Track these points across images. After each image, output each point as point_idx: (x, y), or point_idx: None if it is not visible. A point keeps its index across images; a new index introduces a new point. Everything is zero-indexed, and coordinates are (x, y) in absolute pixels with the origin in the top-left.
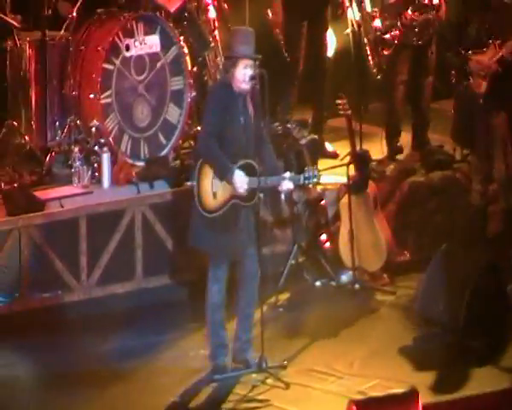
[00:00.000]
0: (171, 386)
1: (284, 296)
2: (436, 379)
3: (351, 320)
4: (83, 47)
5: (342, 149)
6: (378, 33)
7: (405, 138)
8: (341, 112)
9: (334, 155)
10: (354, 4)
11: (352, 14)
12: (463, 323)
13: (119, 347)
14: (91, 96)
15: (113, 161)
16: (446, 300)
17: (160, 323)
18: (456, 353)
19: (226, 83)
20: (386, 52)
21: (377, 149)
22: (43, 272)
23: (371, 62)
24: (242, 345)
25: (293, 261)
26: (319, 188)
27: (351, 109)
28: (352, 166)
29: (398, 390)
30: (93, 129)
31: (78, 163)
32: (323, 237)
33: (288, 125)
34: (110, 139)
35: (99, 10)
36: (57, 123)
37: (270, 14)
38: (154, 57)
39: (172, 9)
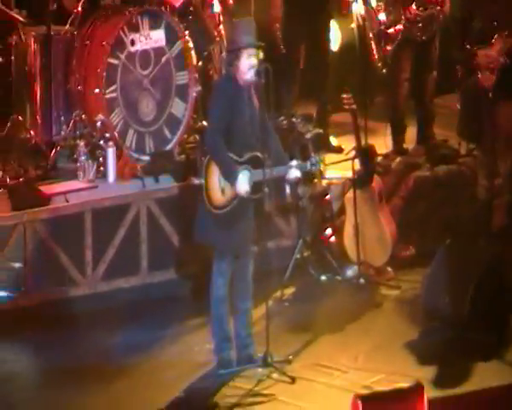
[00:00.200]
0: (176, 380)
1: (289, 291)
2: (441, 374)
3: (356, 315)
4: (88, 42)
5: (347, 143)
6: (382, 27)
7: (410, 133)
8: (346, 106)
9: (338, 150)
10: None
11: (357, 8)
12: (468, 317)
13: (124, 341)
14: (96, 90)
15: (118, 156)
16: (451, 294)
17: (164, 317)
18: (460, 347)
19: (230, 76)
20: (389, 47)
21: (382, 144)
22: (48, 267)
23: (376, 57)
24: (244, 341)
25: (298, 256)
26: (324, 182)
27: (356, 104)
28: (356, 161)
29: (403, 385)
30: (98, 123)
31: (83, 158)
32: (328, 231)
33: (293, 120)
34: (115, 134)
35: (103, 2)
36: (62, 118)
37: (270, 9)
38: (159, 52)
39: (177, 4)
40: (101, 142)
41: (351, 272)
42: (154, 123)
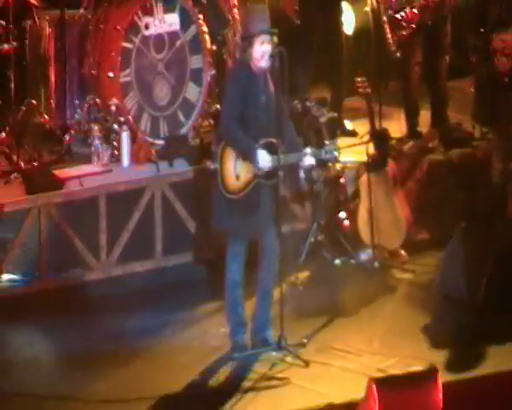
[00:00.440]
0: (190, 364)
1: (304, 275)
2: (455, 357)
3: (370, 298)
4: (102, 26)
5: (361, 127)
6: (390, 12)
7: (424, 116)
8: (361, 90)
9: (353, 134)
10: None
11: None
12: (483, 300)
13: (139, 325)
14: (110, 74)
15: (133, 140)
16: (466, 277)
17: (179, 301)
18: (475, 331)
19: (244, 63)
20: (404, 32)
21: (396, 128)
22: (62, 251)
23: (390, 40)
24: (262, 323)
25: (312, 239)
26: (338, 166)
27: (370, 88)
28: (371, 145)
29: (418, 368)
30: (112, 108)
31: (97, 142)
32: (343, 215)
33: (307, 104)
34: (129, 118)
35: None
36: (76, 102)
37: None
38: (173, 36)
39: None
40: (116, 126)
41: (365, 255)
42: (168, 107)
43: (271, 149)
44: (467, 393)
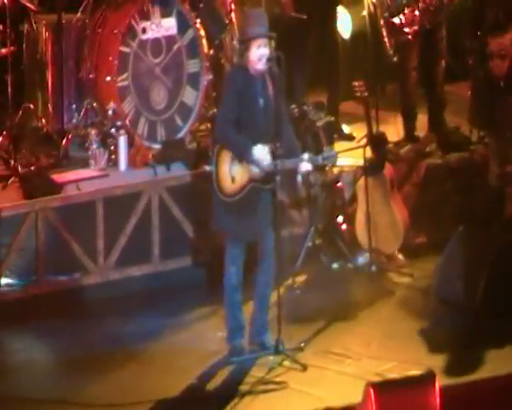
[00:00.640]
0: (188, 368)
1: (301, 278)
2: (453, 361)
3: (367, 302)
4: (99, 30)
5: (359, 131)
6: (386, 14)
7: (422, 120)
8: (358, 94)
9: (350, 137)
10: None
11: None
12: (481, 304)
13: (137, 329)
14: (108, 78)
15: (130, 144)
16: (464, 281)
17: (176, 305)
18: (473, 334)
19: (242, 67)
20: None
21: (393, 131)
22: (59, 255)
23: (388, 44)
24: (259, 327)
25: (309, 243)
26: (336, 170)
27: (367, 91)
28: (368, 149)
29: (416, 372)
30: (110, 112)
31: (94, 146)
32: (340, 219)
33: (305, 107)
34: (127, 122)
35: None
36: (74, 106)
37: None
38: (170, 40)
39: None
40: (113, 130)
41: (362, 259)
42: (165, 111)
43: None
44: (465, 397)
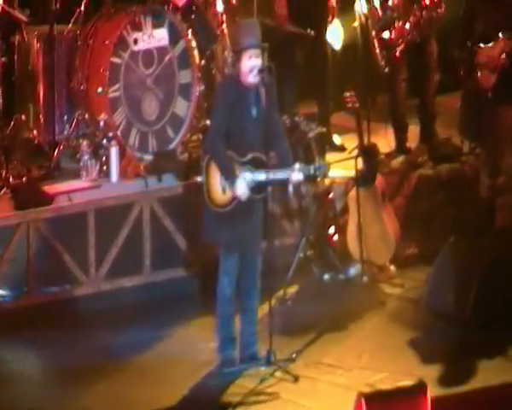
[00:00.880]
0: (179, 379)
1: (292, 289)
2: (444, 372)
3: (359, 313)
4: (91, 41)
5: (350, 142)
6: (379, 24)
7: (413, 131)
8: (349, 105)
9: (341, 149)
10: None
11: (360, 7)
12: (471, 315)
13: (128, 340)
14: (99, 90)
15: (122, 155)
16: (454, 293)
17: (168, 316)
18: (464, 345)
19: (233, 78)
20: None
21: (385, 143)
22: (51, 266)
23: (379, 56)
24: (248, 338)
25: (301, 254)
26: (327, 181)
27: (358, 102)
28: (359, 160)
29: (407, 383)
30: (101, 123)
31: (86, 157)
32: (331, 230)
33: (296, 119)
34: (118, 133)
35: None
36: (65, 117)
37: (276, 9)
38: (162, 51)
39: (180, 3)
40: (104, 141)
41: (354, 270)
42: (157, 122)
43: (258, 164)
44: (456, 407)
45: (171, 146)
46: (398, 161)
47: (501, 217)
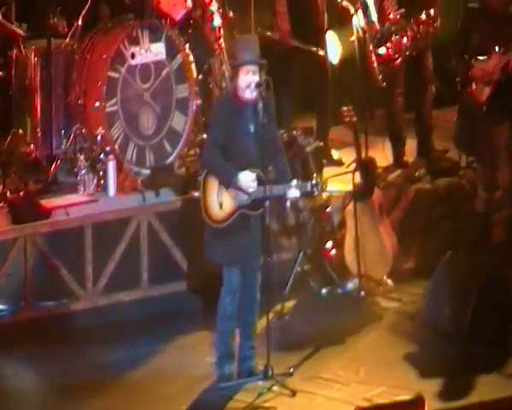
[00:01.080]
0: (177, 395)
1: (290, 304)
2: (442, 387)
3: (356, 328)
4: (88, 55)
5: (347, 156)
6: (377, 37)
7: (410, 145)
8: (347, 119)
9: (339, 163)
10: (360, 12)
11: (358, 21)
12: (468, 330)
13: (125, 355)
14: (96, 104)
15: (119, 170)
16: (451, 307)
17: (165, 331)
18: (461, 360)
19: (230, 94)
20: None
21: (382, 157)
22: (48, 281)
23: (376, 70)
24: (246, 353)
25: (298, 269)
26: (324, 195)
27: (356, 117)
28: (357, 174)
29: (405, 397)
30: (98, 137)
31: (83, 171)
32: (329, 244)
33: (294, 133)
34: (115, 147)
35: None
36: (62, 131)
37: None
38: (159, 65)
39: (177, 17)
40: (102, 155)
41: (351, 285)
42: (154, 136)
43: (256, 180)
44: None
45: (169, 160)
46: (395, 175)
47: (497, 232)
